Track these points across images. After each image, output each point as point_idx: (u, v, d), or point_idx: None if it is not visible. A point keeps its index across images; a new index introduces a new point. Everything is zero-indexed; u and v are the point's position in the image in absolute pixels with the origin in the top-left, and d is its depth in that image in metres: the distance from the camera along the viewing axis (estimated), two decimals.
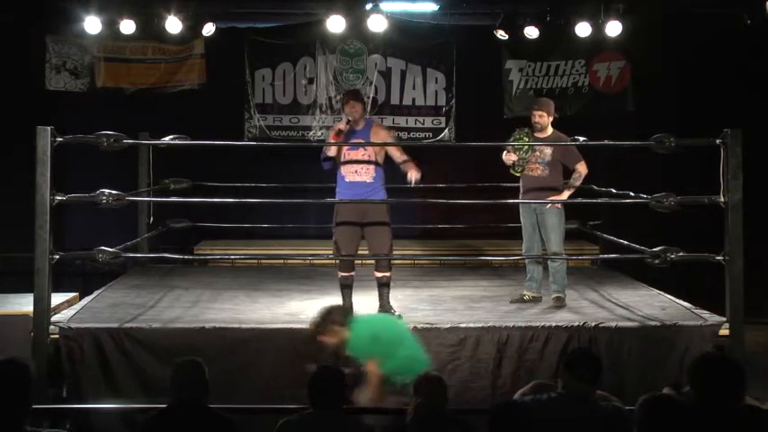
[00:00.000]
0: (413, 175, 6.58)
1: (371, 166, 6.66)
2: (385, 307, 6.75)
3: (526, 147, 7.13)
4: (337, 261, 6.83)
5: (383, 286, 6.76)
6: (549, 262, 7.15)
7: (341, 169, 6.72)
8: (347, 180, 6.69)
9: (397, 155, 6.75)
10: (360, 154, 6.67)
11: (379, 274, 6.78)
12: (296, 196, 7.70)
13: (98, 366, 6.11)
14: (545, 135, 7.22)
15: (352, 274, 6.79)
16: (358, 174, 6.66)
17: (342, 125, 6.65)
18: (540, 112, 7.20)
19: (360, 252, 6.90)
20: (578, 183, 7.21)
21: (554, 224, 7.13)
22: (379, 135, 6.81)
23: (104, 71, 10.30)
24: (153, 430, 4.12)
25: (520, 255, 7.53)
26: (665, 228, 8.00)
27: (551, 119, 7.25)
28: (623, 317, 6.64)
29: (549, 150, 7.18)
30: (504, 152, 7.21)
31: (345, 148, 6.67)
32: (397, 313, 6.67)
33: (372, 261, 6.89)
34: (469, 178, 9.45)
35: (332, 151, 6.68)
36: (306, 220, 9.18)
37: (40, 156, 6.09)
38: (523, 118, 7.96)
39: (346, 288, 6.79)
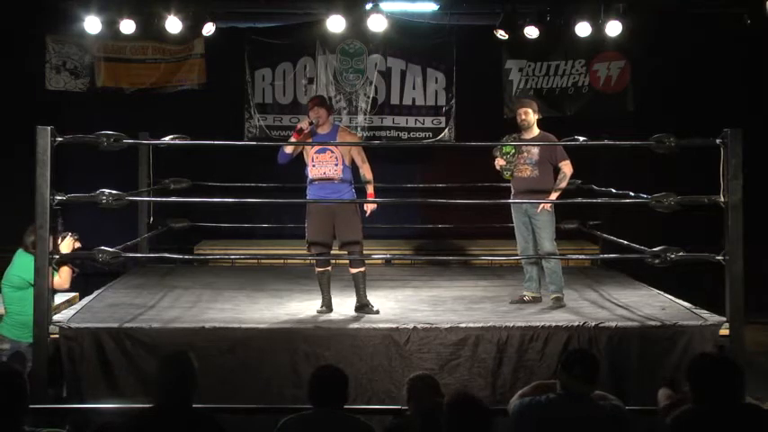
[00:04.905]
0: (368, 208, 7.02)
1: (338, 167, 6.83)
2: (362, 301, 6.85)
3: (513, 151, 7.16)
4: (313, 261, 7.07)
5: (358, 282, 6.89)
6: (543, 262, 7.16)
7: (309, 171, 6.89)
8: (316, 181, 6.86)
9: (360, 163, 6.95)
10: (327, 156, 6.83)
11: (353, 270, 6.92)
12: (296, 196, 7.69)
13: (98, 366, 6.11)
14: (531, 135, 7.23)
15: (329, 268, 6.98)
16: (326, 174, 6.83)
17: (303, 124, 6.87)
18: (524, 110, 7.23)
19: (334, 251, 7.08)
20: (564, 183, 7.20)
21: (544, 222, 7.13)
22: (346, 140, 7.01)
23: (104, 71, 10.31)
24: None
25: (519, 255, 7.52)
26: (665, 228, 8.01)
27: (536, 117, 7.25)
28: (623, 317, 6.64)
29: (535, 150, 7.19)
30: (495, 159, 7.26)
31: (313, 151, 6.81)
32: (375, 308, 6.80)
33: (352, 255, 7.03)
34: (469, 178, 9.45)
35: (289, 149, 6.88)
36: (304, 219, 9.17)
37: (40, 156, 6.09)
38: None
39: (324, 282, 6.94)
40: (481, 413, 3.81)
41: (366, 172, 6.96)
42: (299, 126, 6.91)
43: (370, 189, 6.98)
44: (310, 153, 6.88)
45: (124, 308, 6.97)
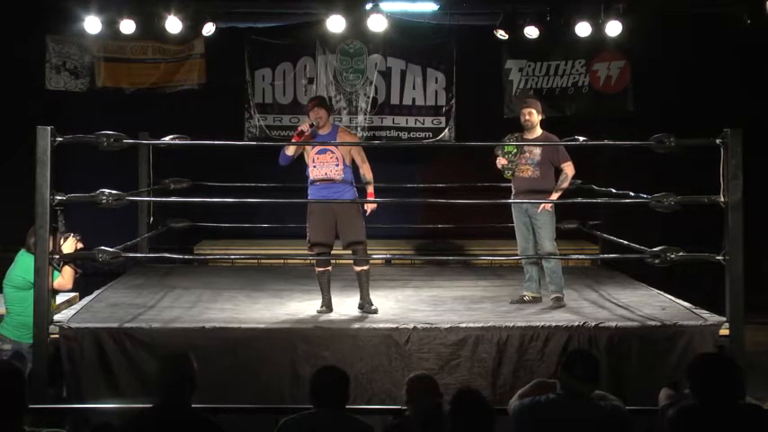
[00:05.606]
0: (369, 208, 7.00)
1: (339, 168, 6.84)
2: (365, 299, 6.89)
3: (515, 150, 7.16)
4: (313, 260, 7.09)
5: (362, 280, 6.93)
6: (543, 262, 7.16)
7: (310, 172, 6.90)
8: (317, 182, 6.87)
9: (360, 163, 6.96)
10: (328, 157, 6.84)
11: (357, 269, 6.95)
12: (296, 196, 7.70)
13: (98, 366, 6.11)
14: (534, 135, 7.24)
15: (329, 269, 7.00)
16: (327, 175, 6.84)
17: (304, 126, 6.87)
18: (528, 110, 7.23)
19: (335, 251, 7.09)
20: (566, 184, 7.21)
21: (544, 222, 7.14)
22: (345, 140, 7.02)
23: (104, 71, 10.31)
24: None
25: (519, 255, 7.52)
26: (665, 228, 8.01)
27: (540, 117, 7.26)
28: (623, 317, 6.64)
29: (537, 150, 7.19)
30: (497, 158, 7.26)
31: (313, 152, 6.83)
32: (374, 307, 6.85)
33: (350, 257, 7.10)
34: (469, 178, 9.46)
35: (290, 151, 6.89)
36: (305, 220, 9.19)
37: (40, 156, 6.09)
38: None
39: (324, 282, 6.95)
40: (485, 409, 3.83)
41: (366, 172, 6.97)
42: (299, 128, 6.91)
43: (370, 189, 6.99)
44: (311, 154, 6.88)
45: (124, 308, 6.97)
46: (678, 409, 4.00)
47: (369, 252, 7.11)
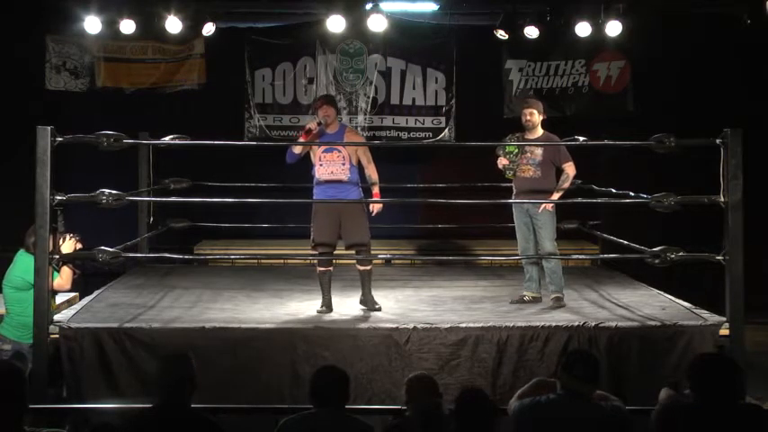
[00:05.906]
0: (374, 208, 7.02)
1: (346, 167, 6.85)
2: (366, 297, 6.91)
3: (516, 150, 7.16)
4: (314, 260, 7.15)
5: (364, 278, 6.96)
6: (543, 262, 7.17)
7: (316, 171, 6.90)
8: (323, 180, 6.87)
9: (366, 163, 6.97)
10: (335, 156, 6.84)
11: (361, 268, 6.98)
12: (296, 196, 7.71)
13: (98, 366, 6.11)
14: (535, 136, 7.24)
15: (330, 269, 7.02)
16: (333, 174, 6.85)
17: (312, 125, 6.87)
18: (530, 110, 7.23)
19: (338, 250, 7.10)
20: (566, 184, 7.22)
21: (545, 222, 7.14)
22: (352, 140, 7.04)
23: (104, 71, 10.31)
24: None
25: (519, 255, 7.53)
26: (665, 228, 8.01)
27: (542, 118, 7.26)
28: (623, 317, 6.64)
29: (539, 150, 7.20)
30: (498, 158, 7.27)
31: (320, 150, 6.82)
32: (378, 306, 6.87)
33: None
34: (469, 178, 9.46)
35: (298, 149, 6.89)
36: (305, 220, 9.19)
37: (40, 156, 6.09)
38: None
39: (324, 282, 6.96)
40: (489, 409, 3.83)
41: (372, 172, 6.97)
42: (307, 127, 6.90)
43: (375, 189, 7.00)
44: (317, 152, 6.88)
45: (124, 308, 6.97)
46: (667, 405, 3.99)
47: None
